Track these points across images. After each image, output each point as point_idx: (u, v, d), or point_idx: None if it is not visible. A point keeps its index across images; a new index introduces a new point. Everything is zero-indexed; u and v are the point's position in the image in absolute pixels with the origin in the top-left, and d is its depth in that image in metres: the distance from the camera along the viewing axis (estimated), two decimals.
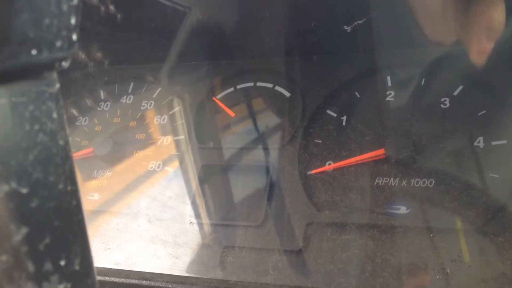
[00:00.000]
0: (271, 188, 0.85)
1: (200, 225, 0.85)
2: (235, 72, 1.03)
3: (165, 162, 0.96)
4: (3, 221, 0.26)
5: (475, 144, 0.76)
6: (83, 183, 0.99)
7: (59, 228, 0.28)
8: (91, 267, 0.31)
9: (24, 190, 0.26)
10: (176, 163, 0.95)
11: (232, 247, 0.80)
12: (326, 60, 0.96)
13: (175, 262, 0.81)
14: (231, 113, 0.97)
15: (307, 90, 0.94)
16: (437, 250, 0.70)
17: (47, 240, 0.27)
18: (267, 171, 0.87)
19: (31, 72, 0.27)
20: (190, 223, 0.85)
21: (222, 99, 1.00)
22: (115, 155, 1.00)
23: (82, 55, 1.09)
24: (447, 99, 0.82)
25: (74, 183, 0.30)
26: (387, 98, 0.87)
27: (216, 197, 0.88)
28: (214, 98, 1.00)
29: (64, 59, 0.29)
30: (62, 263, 0.28)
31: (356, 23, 0.82)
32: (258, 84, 0.99)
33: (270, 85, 0.98)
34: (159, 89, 1.07)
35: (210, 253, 0.81)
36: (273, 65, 1.00)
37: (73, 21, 0.28)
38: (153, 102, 1.05)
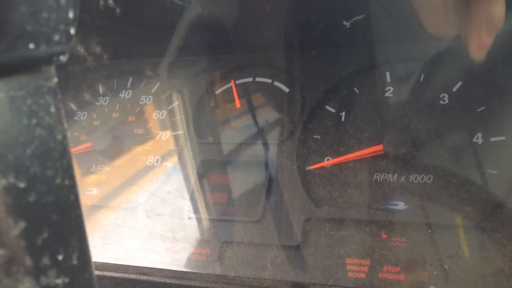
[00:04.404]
0: (270, 184, 0.85)
1: (199, 220, 0.85)
2: (234, 67, 1.02)
3: (164, 157, 0.96)
4: (1, 215, 0.26)
5: (474, 140, 0.76)
6: (82, 178, 0.99)
7: (57, 222, 0.28)
8: (89, 261, 0.31)
9: (22, 185, 0.26)
10: (175, 158, 0.95)
11: (230, 243, 0.80)
12: (325, 56, 0.96)
13: (174, 257, 0.81)
14: (238, 104, 0.97)
15: (306, 85, 0.94)
16: (435, 246, 0.70)
17: (45, 235, 0.27)
18: (266, 166, 0.87)
19: (28, 66, 0.27)
20: (189, 218, 0.85)
21: (223, 93, 1.00)
22: (114, 149, 1.00)
23: (80, 49, 1.08)
24: (446, 95, 0.82)
25: (72, 177, 0.30)
26: (386, 94, 0.87)
27: (214, 192, 0.88)
28: (232, 81, 1.00)
29: (62, 53, 0.28)
30: (60, 257, 0.28)
31: (355, 18, 0.82)
32: (257, 79, 0.99)
33: (269, 80, 0.98)
34: (158, 83, 1.06)
35: (209, 248, 0.81)
36: (272, 60, 1.00)
37: (71, 14, 0.28)
38: (152, 97, 1.05)
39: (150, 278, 0.77)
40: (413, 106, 0.83)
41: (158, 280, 0.76)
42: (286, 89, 0.96)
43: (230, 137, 0.95)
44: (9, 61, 0.25)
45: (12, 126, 0.26)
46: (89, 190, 0.96)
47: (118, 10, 0.95)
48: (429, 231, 0.71)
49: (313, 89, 0.93)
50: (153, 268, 0.80)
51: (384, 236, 0.73)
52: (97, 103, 1.09)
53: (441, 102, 0.82)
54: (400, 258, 0.70)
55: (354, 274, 0.71)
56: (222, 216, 0.84)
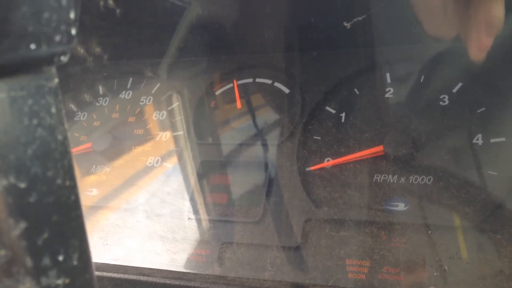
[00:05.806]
0: (270, 185, 0.85)
1: (199, 221, 0.85)
2: (234, 67, 1.02)
3: (164, 158, 0.96)
4: (2, 215, 0.26)
5: (474, 141, 0.76)
6: (82, 179, 0.98)
7: (57, 223, 0.28)
8: (89, 262, 0.31)
9: (23, 185, 0.26)
10: (174, 159, 0.95)
11: (230, 243, 0.80)
12: (326, 56, 0.96)
13: (173, 257, 0.81)
14: (239, 104, 0.97)
15: (306, 86, 0.94)
16: (435, 247, 0.70)
17: (45, 235, 0.27)
18: (266, 167, 0.87)
19: (30, 66, 0.27)
20: (189, 219, 0.85)
21: (223, 94, 1.00)
22: (114, 150, 1.00)
23: (81, 50, 1.08)
24: (446, 96, 0.82)
25: (72, 178, 0.30)
26: (386, 95, 0.87)
27: (214, 193, 0.88)
28: (235, 81, 1.00)
29: (63, 53, 0.28)
30: (60, 258, 0.28)
31: (356, 19, 0.82)
32: (258, 80, 0.99)
33: (269, 81, 0.98)
34: (158, 84, 1.06)
35: (209, 249, 0.81)
36: (272, 61, 1.00)
37: (72, 15, 0.28)
38: (152, 98, 1.05)
39: (150, 279, 0.77)
40: (413, 107, 0.83)
41: (158, 280, 0.76)
42: (286, 90, 0.96)
43: (230, 138, 0.94)
44: (10, 62, 0.25)
45: (13, 127, 0.26)
46: (89, 190, 0.96)
47: (118, 10, 0.95)
48: (429, 232, 0.71)
49: (313, 90, 0.93)
50: (153, 268, 0.80)
51: (384, 237, 0.73)
52: (97, 104, 1.09)
53: (441, 103, 0.82)
54: (400, 259, 0.70)
55: (354, 275, 0.71)
56: (222, 217, 0.84)
